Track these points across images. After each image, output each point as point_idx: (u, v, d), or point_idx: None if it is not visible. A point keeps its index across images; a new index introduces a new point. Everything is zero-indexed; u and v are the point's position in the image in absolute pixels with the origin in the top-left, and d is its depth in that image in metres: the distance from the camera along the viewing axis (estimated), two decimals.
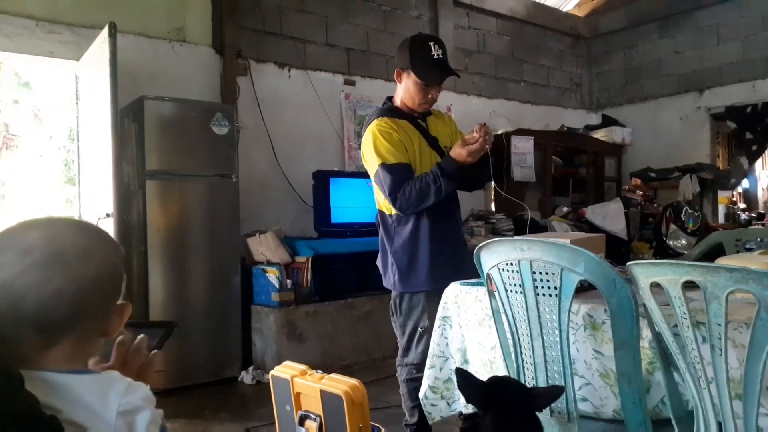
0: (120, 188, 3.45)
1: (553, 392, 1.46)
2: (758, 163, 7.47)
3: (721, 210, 7.00)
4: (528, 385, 1.67)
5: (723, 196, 6.93)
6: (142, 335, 1.07)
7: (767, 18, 5.97)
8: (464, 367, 2.07)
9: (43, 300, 0.84)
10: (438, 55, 2.31)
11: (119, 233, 3.39)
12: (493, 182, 2.43)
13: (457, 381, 1.50)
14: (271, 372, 2.24)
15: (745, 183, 7.91)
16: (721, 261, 1.73)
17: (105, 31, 3.39)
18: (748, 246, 3.17)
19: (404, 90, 2.39)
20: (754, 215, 7.83)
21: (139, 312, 3.67)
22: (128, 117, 3.77)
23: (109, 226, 3.38)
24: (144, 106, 3.67)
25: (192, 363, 3.77)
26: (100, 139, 3.51)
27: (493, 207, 5.87)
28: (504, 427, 1.40)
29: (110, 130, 3.35)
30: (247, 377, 3.88)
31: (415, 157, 2.35)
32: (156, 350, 1.09)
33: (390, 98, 2.49)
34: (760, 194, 8.94)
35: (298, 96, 4.94)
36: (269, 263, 4.04)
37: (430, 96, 2.37)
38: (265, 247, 4.08)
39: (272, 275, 3.95)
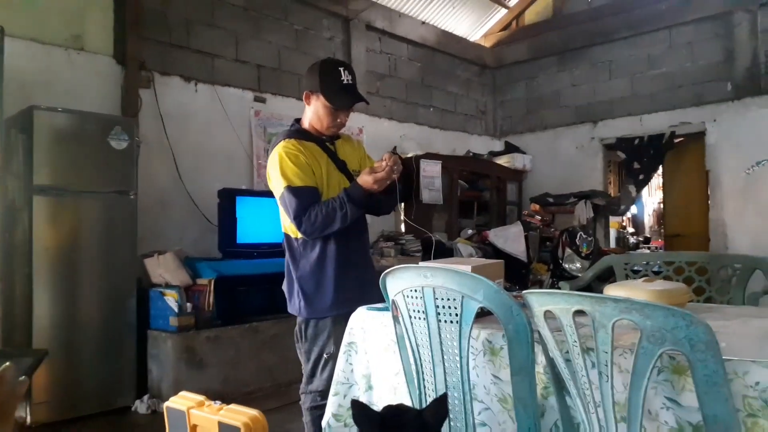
0: (3, 205, 3.18)
1: (439, 405, 1.45)
2: (645, 191, 8.08)
3: (613, 234, 7.50)
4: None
5: (614, 221, 7.43)
6: (7, 363, 0.96)
7: (653, 58, 6.51)
8: (368, 393, 2.06)
9: None
10: (348, 80, 2.32)
11: (1, 254, 3.11)
12: (402, 206, 2.44)
13: (353, 413, 1.48)
14: (166, 403, 2.12)
15: (634, 209, 8.52)
16: (609, 288, 1.83)
17: None
18: (634, 269, 3.41)
19: (313, 113, 2.37)
20: (641, 239, 8.47)
21: (20, 339, 3.38)
22: (15, 127, 3.51)
23: None
24: (33, 116, 3.42)
25: (81, 392, 3.52)
26: None
27: (402, 228, 5.96)
28: None
29: None
30: (141, 407, 3.65)
31: (323, 180, 2.33)
32: (24, 378, 0.98)
33: (298, 120, 2.47)
34: (646, 220, 9.68)
35: (205, 111, 4.80)
36: (168, 285, 3.85)
37: (338, 120, 2.37)
38: (164, 269, 3.89)
39: (171, 298, 3.77)
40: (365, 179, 2.23)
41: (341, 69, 2.32)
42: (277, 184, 2.29)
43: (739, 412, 1.22)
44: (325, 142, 2.41)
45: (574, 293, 1.31)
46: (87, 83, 4.14)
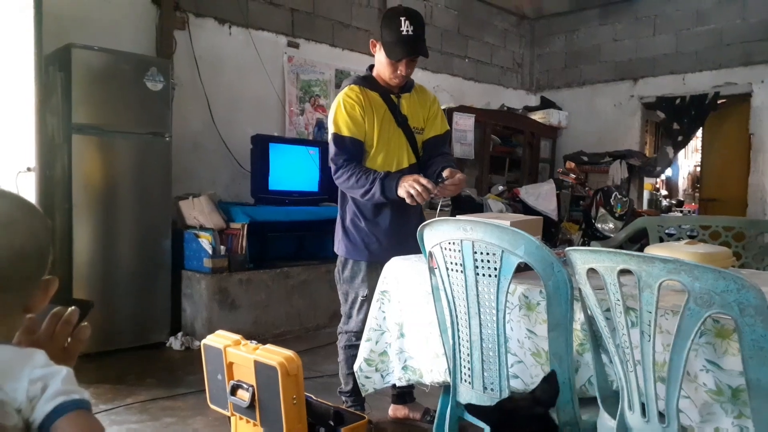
0: (43, 141, 3.23)
1: (549, 383, 1.48)
2: (681, 153, 7.87)
3: (646, 196, 7.35)
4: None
5: (648, 182, 7.27)
6: (73, 307, 1.00)
7: (701, 13, 6.22)
8: (400, 341, 2.09)
9: None
10: (407, 31, 2.29)
11: (42, 189, 3.19)
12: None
13: (468, 411, 1.54)
14: (203, 341, 2.19)
15: (668, 171, 8.33)
16: (651, 250, 1.80)
17: None
18: (668, 232, 3.35)
19: (377, 62, 2.40)
20: (674, 202, 8.29)
21: (62, 271, 3.49)
22: (53, 65, 3.52)
23: (30, 181, 3.17)
24: (71, 54, 3.43)
25: (116, 326, 3.63)
26: (21, 86, 3.26)
27: None
28: None
29: (33, 77, 3.12)
30: (175, 343, 3.78)
31: (372, 131, 2.36)
32: (86, 324, 1.02)
33: (371, 67, 2.49)
34: (680, 183, 9.46)
35: (239, 55, 4.76)
36: (202, 228, 3.91)
37: (398, 71, 2.36)
38: (198, 211, 3.95)
39: (205, 240, 3.84)
40: (406, 189, 2.16)
41: (402, 19, 2.29)
42: (329, 127, 2.37)
43: None
44: (390, 93, 2.41)
45: (620, 252, 1.29)
46: (122, 22, 4.11)
